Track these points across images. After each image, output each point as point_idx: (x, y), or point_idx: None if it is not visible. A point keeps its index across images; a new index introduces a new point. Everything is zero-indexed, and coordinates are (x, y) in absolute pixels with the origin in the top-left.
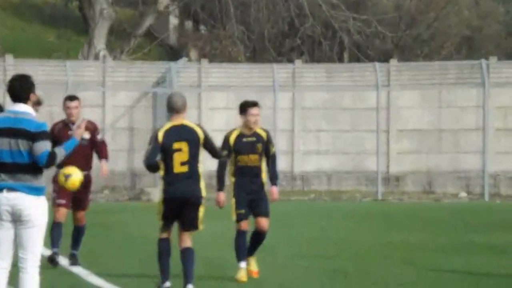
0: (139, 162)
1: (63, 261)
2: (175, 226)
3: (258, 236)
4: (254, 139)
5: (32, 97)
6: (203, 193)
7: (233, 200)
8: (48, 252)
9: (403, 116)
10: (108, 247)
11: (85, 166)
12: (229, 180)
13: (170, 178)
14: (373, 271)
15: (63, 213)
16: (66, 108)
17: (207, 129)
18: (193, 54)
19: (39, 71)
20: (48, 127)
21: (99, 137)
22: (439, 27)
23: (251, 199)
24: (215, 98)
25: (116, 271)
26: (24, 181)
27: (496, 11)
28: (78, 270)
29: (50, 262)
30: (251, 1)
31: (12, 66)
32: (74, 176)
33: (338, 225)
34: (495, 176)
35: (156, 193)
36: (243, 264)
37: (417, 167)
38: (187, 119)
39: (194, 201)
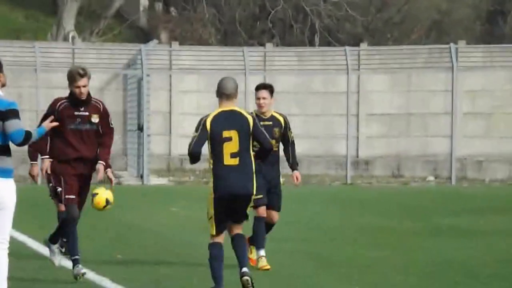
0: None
1: (33, 244)
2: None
3: (267, 227)
4: (270, 123)
5: (1, 77)
6: (254, 190)
7: None
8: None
9: (372, 100)
10: (78, 230)
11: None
12: None
13: (219, 171)
14: (342, 254)
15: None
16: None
17: (178, 111)
18: (164, 36)
19: (7, 52)
20: (18, 107)
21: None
22: (409, 11)
23: (268, 188)
24: (185, 81)
25: (87, 253)
26: None
27: None
28: (47, 252)
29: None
30: None
31: None
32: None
33: (308, 209)
34: (462, 160)
35: (127, 176)
36: (262, 252)
37: (386, 151)
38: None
39: (244, 199)
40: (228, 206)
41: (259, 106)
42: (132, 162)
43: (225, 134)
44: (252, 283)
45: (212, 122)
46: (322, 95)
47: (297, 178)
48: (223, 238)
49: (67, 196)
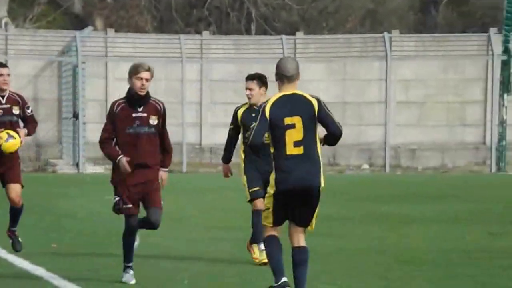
0: (43, 134)
1: None
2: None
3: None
4: None
5: None
6: (323, 182)
7: (245, 178)
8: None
9: (309, 89)
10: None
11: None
12: (239, 158)
13: (282, 162)
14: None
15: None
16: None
17: (114, 99)
18: (99, 23)
19: None
20: None
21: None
22: (344, 0)
23: (265, 180)
24: (121, 68)
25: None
26: None
27: None
28: None
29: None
30: None
31: None
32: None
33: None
34: (396, 148)
35: (62, 165)
36: (262, 246)
37: None
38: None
39: (310, 192)
40: (292, 201)
41: (247, 97)
42: (68, 150)
43: (287, 120)
44: None
45: (272, 108)
46: None
47: None
48: (279, 232)
49: (125, 206)
